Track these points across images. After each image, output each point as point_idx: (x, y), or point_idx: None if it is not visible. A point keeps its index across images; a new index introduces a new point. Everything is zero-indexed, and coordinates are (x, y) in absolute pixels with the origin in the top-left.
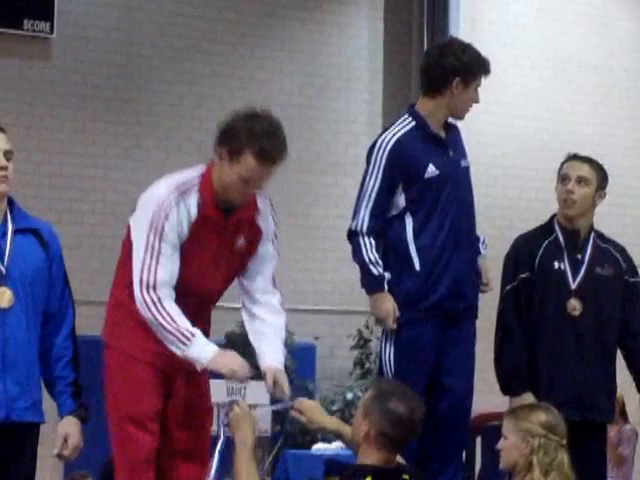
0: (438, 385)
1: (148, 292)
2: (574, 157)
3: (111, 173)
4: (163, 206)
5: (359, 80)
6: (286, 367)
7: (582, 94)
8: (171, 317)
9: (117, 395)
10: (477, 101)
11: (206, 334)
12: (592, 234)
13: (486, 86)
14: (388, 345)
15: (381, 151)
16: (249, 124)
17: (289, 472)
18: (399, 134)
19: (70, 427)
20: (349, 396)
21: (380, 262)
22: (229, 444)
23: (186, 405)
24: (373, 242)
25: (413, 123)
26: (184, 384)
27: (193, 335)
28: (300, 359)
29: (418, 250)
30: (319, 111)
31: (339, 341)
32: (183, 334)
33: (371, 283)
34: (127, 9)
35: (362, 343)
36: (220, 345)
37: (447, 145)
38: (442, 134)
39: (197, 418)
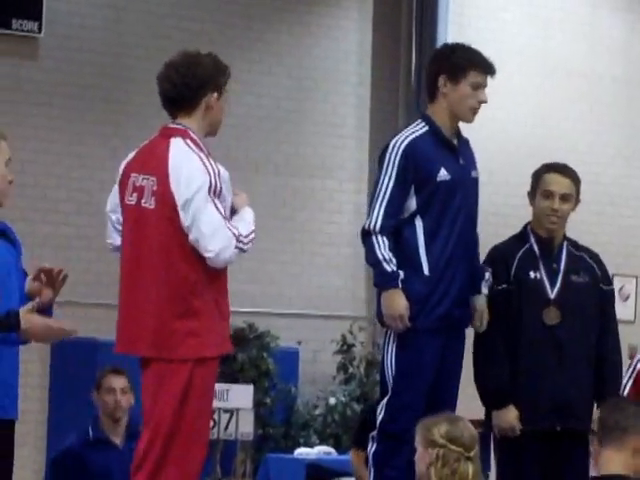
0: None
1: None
2: (554, 169)
3: (98, 174)
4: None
5: (347, 83)
6: (269, 371)
7: (570, 101)
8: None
9: (208, 411)
10: (482, 100)
11: None
12: (565, 242)
13: None
14: (390, 350)
15: (394, 152)
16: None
17: (270, 476)
18: (412, 136)
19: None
20: (332, 401)
21: (394, 260)
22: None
23: None
24: (386, 241)
25: (426, 128)
26: None
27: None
28: (283, 363)
29: (428, 254)
30: (306, 114)
31: (323, 346)
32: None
33: (384, 280)
34: (116, 9)
35: (346, 348)
36: None
37: (458, 152)
38: (454, 141)
39: None
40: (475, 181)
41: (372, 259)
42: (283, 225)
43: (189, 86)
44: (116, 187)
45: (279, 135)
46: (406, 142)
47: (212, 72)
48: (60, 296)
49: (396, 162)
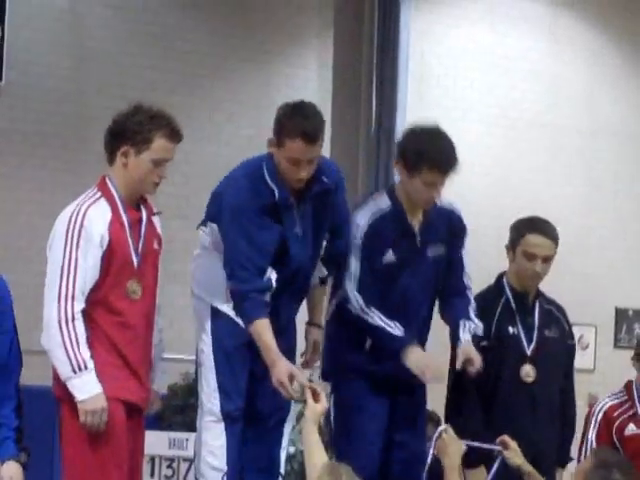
0: (391, 444)
1: None
2: (538, 230)
3: None
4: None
5: None
6: None
7: (532, 152)
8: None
9: (94, 451)
10: (425, 197)
11: None
12: (538, 296)
13: None
14: (331, 410)
15: (360, 232)
16: None
17: None
18: (374, 217)
19: (13, 470)
20: (291, 450)
21: (396, 323)
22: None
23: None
24: (376, 311)
25: (390, 208)
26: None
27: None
28: None
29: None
30: None
31: None
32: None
33: (399, 344)
34: (77, 59)
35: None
36: (162, 397)
37: (415, 233)
38: (415, 221)
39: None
40: (433, 259)
41: (376, 333)
42: None
43: (108, 135)
44: None
45: None
46: (368, 224)
47: (133, 126)
48: (31, 345)
49: (360, 243)
